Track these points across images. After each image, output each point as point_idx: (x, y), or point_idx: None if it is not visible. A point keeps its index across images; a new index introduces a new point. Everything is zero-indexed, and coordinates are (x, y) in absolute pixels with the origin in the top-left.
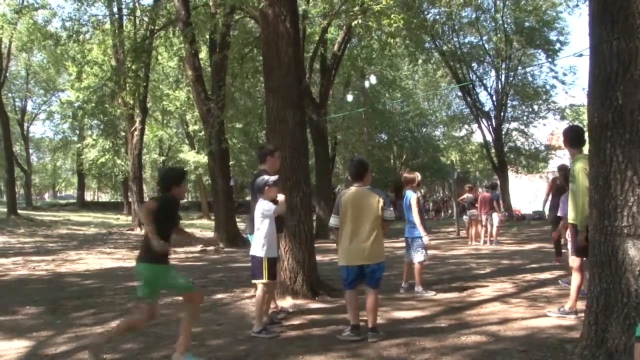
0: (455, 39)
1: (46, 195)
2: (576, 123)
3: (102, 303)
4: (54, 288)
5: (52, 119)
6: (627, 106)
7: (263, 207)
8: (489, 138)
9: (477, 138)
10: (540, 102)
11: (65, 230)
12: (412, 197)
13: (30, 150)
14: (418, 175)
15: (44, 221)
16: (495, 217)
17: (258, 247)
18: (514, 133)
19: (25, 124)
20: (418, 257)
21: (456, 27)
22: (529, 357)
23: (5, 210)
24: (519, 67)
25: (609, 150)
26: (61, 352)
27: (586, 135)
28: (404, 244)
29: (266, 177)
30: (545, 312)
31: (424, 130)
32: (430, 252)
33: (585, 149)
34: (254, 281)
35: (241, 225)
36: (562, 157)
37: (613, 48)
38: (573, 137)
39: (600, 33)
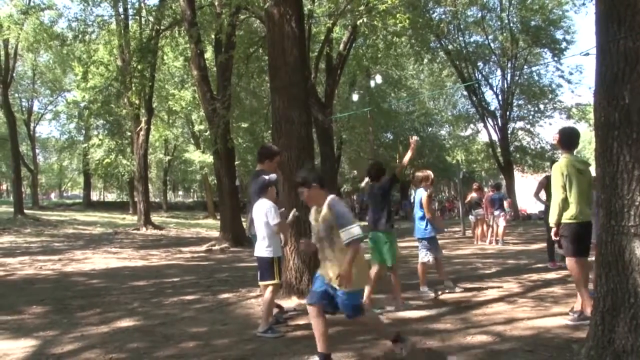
0: (460, 38)
1: (52, 195)
2: (582, 122)
3: (108, 302)
4: (60, 287)
5: (58, 119)
6: (634, 105)
7: (269, 215)
8: (495, 137)
9: (483, 137)
10: (546, 101)
11: (71, 230)
12: (423, 195)
13: (37, 150)
14: (431, 174)
15: (50, 221)
16: (501, 217)
17: (264, 248)
18: (520, 132)
19: (32, 124)
20: (422, 257)
21: (462, 26)
22: (535, 357)
23: (12, 210)
24: (525, 66)
25: (616, 150)
26: (67, 352)
27: (580, 138)
28: (413, 244)
29: (266, 177)
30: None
31: (430, 129)
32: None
33: (586, 150)
34: (263, 283)
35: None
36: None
37: (620, 47)
38: (565, 139)
39: (607, 32)
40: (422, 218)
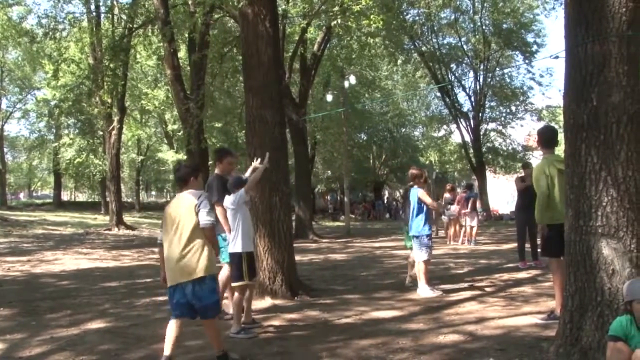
0: (434, 40)
1: (21, 195)
2: (553, 124)
3: (78, 304)
4: (29, 289)
5: (27, 118)
6: (601, 108)
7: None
8: (468, 138)
9: (456, 138)
10: (518, 103)
11: (41, 230)
12: (418, 191)
13: (5, 149)
14: (425, 172)
15: (19, 221)
16: (474, 217)
17: (234, 242)
18: (492, 134)
19: (0, 122)
20: (422, 255)
21: (435, 28)
22: (506, 355)
23: None
24: (497, 69)
25: (584, 151)
26: (36, 354)
27: (560, 136)
28: (387, 244)
29: (243, 176)
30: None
31: (403, 130)
32: (407, 252)
33: (560, 149)
34: (234, 284)
35: None
36: (539, 157)
37: (588, 50)
38: (545, 138)
39: (575, 36)
40: (418, 215)
